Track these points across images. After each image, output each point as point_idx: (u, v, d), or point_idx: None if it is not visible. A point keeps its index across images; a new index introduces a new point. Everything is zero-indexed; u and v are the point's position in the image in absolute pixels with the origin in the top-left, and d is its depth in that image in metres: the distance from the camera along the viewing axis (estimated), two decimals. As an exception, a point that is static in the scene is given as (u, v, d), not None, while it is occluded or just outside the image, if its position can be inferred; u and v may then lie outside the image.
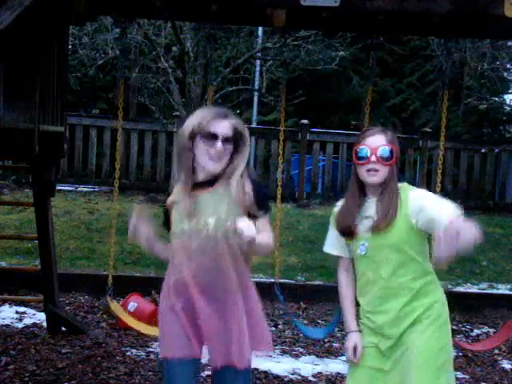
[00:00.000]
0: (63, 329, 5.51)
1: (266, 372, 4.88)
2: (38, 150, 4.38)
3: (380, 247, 2.74)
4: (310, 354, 5.46)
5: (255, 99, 14.80)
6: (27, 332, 5.55)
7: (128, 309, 5.60)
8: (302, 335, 5.80)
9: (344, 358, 4.78)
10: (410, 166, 11.27)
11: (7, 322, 5.82)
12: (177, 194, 2.76)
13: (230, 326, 2.68)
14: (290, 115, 13.63)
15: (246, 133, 2.75)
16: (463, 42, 11.24)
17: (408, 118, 16.78)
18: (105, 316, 6.08)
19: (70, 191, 10.50)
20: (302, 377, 4.92)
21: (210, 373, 2.95)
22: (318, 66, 11.35)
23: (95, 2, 4.17)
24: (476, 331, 6.29)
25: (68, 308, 6.24)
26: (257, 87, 13.30)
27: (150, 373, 4.73)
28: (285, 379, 4.84)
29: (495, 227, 9.58)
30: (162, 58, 9.86)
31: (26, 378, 4.49)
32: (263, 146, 11.52)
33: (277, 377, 4.87)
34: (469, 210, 10.67)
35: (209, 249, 2.67)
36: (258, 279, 6.82)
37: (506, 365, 5.45)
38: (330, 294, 6.08)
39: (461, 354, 5.46)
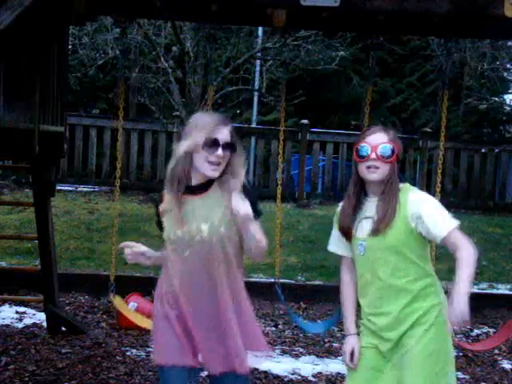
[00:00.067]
0: (63, 329, 5.50)
1: (265, 372, 4.88)
2: (38, 150, 4.39)
3: (378, 248, 2.73)
4: (310, 353, 5.45)
5: (255, 99, 14.78)
6: (27, 332, 5.54)
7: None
8: (302, 335, 5.80)
9: (344, 358, 4.77)
10: (410, 166, 11.27)
11: (7, 321, 5.82)
12: (168, 202, 2.74)
13: (225, 332, 2.68)
14: (290, 115, 13.61)
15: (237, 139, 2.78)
16: (463, 41, 11.24)
17: (408, 118, 16.77)
18: (105, 316, 6.08)
19: (70, 191, 10.49)
20: (302, 377, 4.92)
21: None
22: (318, 66, 11.37)
23: (95, 2, 4.17)
24: (476, 331, 6.28)
25: (68, 308, 6.24)
26: (257, 87, 13.29)
27: (150, 373, 4.72)
28: (285, 379, 4.84)
29: (495, 227, 9.57)
30: (162, 58, 9.87)
31: (26, 378, 4.49)
32: (263, 146, 11.50)
33: (277, 377, 4.86)
34: (469, 210, 10.72)
35: (203, 254, 2.66)
36: (258, 279, 6.83)
37: (506, 365, 5.44)
38: (330, 294, 6.08)
39: (461, 354, 5.45)
